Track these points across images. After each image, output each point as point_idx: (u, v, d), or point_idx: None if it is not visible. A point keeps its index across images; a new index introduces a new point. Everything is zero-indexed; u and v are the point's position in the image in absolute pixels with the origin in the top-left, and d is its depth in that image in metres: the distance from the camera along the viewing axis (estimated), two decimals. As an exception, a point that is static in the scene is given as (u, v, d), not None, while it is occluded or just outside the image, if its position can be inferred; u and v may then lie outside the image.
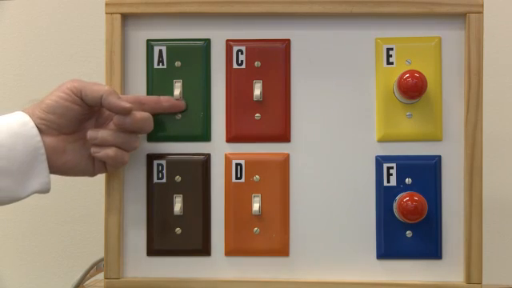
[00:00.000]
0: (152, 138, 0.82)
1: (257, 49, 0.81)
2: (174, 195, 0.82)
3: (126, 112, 0.75)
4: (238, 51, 0.81)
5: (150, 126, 0.78)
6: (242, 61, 0.81)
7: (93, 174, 0.79)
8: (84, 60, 1.17)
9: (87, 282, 0.93)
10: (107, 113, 0.78)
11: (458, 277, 0.80)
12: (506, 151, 1.14)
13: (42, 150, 0.74)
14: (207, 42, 0.82)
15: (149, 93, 0.82)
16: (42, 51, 1.18)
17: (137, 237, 0.82)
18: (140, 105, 0.78)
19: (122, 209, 0.81)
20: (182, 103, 0.80)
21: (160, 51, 0.82)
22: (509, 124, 1.14)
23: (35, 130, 0.73)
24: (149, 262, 0.82)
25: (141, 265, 0.82)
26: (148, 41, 0.82)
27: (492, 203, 1.13)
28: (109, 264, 0.81)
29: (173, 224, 0.81)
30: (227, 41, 0.82)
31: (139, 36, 0.82)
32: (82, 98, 0.74)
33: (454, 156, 0.80)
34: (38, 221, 1.18)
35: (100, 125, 0.78)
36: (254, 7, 0.80)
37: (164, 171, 0.82)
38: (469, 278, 0.79)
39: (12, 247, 1.18)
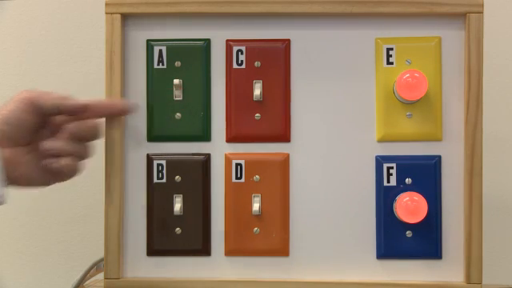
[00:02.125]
0: (152, 138, 0.82)
1: (257, 49, 0.81)
2: (174, 195, 0.82)
3: (85, 109, 0.74)
4: (238, 51, 0.81)
5: (103, 130, 0.78)
6: (242, 61, 0.81)
7: (48, 184, 0.78)
8: (84, 60, 1.17)
9: (87, 282, 0.93)
10: (58, 123, 0.77)
11: (458, 277, 0.80)
12: (506, 151, 1.14)
13: None
14: (207, 42, 0.82)
15: (149, 93, 0.82)
16: (42, 51, 1.18)
17: (137, 237, 0.82)
18: (86, 111, 0.77)
19: (121, 209, 0.81)
20: (130, 107, 0.79)
21: (160, 51, 0.82)
22: (509, 124, 1.14)
23: None
24: (149, 261, 0.82)
25: (141, 265, 0.82)
26: (148, 41, 0.82)
27: (492, 203, 1.13)
28: (109, 264, 0.81)
29: (173, 224, 0.81)
30: (227, 41, 0.82)
31: (139, 36, 0.82)
32: (37, 108, 0.74)
33: (454, 156, 0.80)
34: (38, 221, 1.18)
35: (52, 136, 0.78)
36: (253, 7, 0.80)
37: (164, 171, 0.82)
38: (469, 278, 0.79)
39: (12, 247, 1.18)
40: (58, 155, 0.75)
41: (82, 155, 0.77)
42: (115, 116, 0.79)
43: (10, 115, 0.73)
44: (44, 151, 0.75)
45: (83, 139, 0.76)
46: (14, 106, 0.74)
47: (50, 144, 0.75)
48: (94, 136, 0.77)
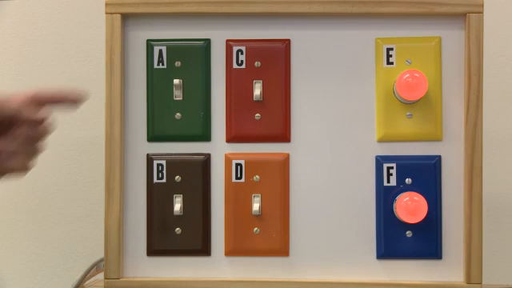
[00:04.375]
0: (152, 138, 0.82)
1: (257, 49, 0.81)
2: (174, 195, 0.82)
3: (40, 123, 0.74)
4: (238, 51, 0.81)
5: (53, 128, 0.78)
6: (242, 61, 0.81)
7: None
8: (84, 60, 1.17)
9: (87, 282, 0.92)
10: (12, 123, 0.76)
11: (458, 277, 0.80)
12: (506, 151, 1.14)
13: None
14: (207, 42, 0.82)
15: (149, 93, 0.82)
16: (42, 51, 1.18)
17: (137, 237, 0.82)
18: (37, 101, 0.76)
19: (121, 209, 0.81)
20: (80, 95, 0.77)
21: (160, 51, 0.82)
22: (509, 124, 1.14)
23: None
24: (149, 262, 0.82)
25: (141, 265, 0.82)
26: (148, 41, 0.82)
27: (492, 203, 1.13)
28: (109, 264, 0.81)
29: (173, 224, 0.81)
30: (227, 41, 0.82)
31: (139, 36, 0.82)
32: None
33: (454, 156, 0.80)
34: (38, 221, 1.18)
35: (4, 134, 0.77)
36: (253, 7, 0.80)
37: (164, 171, 0.82)
38: (469, 278, 0.79)
39: (12, 247, 1.18)
40: (9, 155, 0.75)
41: (33, 154, 0.77)
42: (66, 105, 0.77)
43: None
44: None
45: (35, 140, 0.76)
46: None
47: (1, 145, 0.75)
48: (45, 135, 0.77)
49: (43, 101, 0.76)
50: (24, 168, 0.76)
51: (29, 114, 0.74)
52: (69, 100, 0.77)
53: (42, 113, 0.75)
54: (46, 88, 0.77)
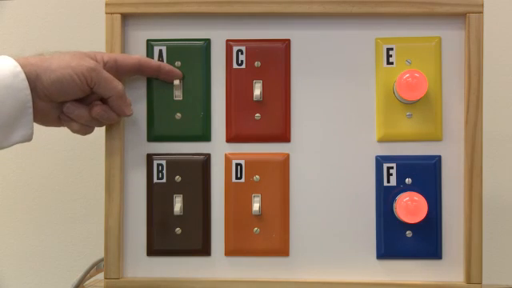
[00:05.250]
0: (152, 138, 0.82)
1: (257, 49, 0.81)
2: (174, 195, 0.82)
3: (119, 114, 0.78)
4: (238, 51, 0.81)
5: (119, 119, 0.81)
6: (242, 61, 0.81)
7: (62, 126, 0.81)
8: (84, 60, 1.17)
9: (87, 282, 0.92)
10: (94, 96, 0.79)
11: (458, 277, 0.80)
12: (506, 151, 1.14)
13: (30, 103, 0.74)
14: (207, 42, 0.82)
15: (149, 93, 0.82)
16: (42, 51, 1.17)
17: (137, 237, 0.82)
18: (140, 71, 0.80)
19: (122, 209, 0.81)
20: (179, 72, 0.81)
21: (160, 51, 0.82)
22: (509, 124, 1.14)
23: (25, 83, 0.73)
24: (149, 262, 0.82)
25: (141, 265, 0.82)
26: (148, 41, 0.82)
27: (492, 203, 1.13)
28: (109, 264, 0.81)
29: (173, 224, 0.81)
30: (227, 41, 0.82)
31: (139, 36, 0.82)
32: (89, 89, 0.76)
33: (454, 156, 0.80)
34: (39, 221, 1.18)
35: (81, 100, 0.79)
36: (254, 7, 0.80)
37: (164, 171, 0.82)
38: (469, 278, 0.79)
39: (12, 247, 1.18)
40: (72, 119, 0.78)
41: (94, 126, 0.80)
42: (161, 79, 0.81)
43: (64, 83, 0.74)
44: (64, 110, 0.78)
45: (102, 120, 0.78)
46: (72, 77, 0.74)
47: (70, 109, 0.77)
48: (113, 122, 0.80)
49: (145, 71, 0.80)
50: (81, 133, 0.80)
51: (119, 104, 0.77)
52: (166, 77, 0.81)
53: (129, 109, 0.78)
54: (150, 60, 0.81)
